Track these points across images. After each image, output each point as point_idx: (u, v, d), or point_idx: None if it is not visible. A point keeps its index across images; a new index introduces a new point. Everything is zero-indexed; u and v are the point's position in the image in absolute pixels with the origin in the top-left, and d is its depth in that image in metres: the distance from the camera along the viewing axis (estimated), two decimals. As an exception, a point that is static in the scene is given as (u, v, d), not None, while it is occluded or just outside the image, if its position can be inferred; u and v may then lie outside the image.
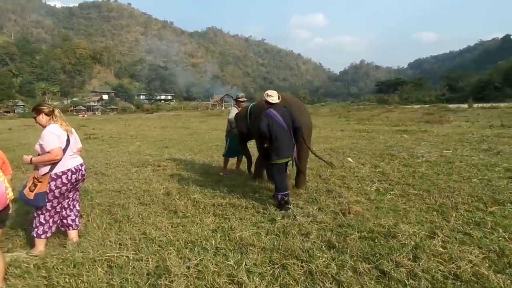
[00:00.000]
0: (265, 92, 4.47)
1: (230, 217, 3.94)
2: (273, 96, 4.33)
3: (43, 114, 3.33)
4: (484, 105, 30.27)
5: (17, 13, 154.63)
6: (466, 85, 75.41)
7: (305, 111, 5.02)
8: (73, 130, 3.53)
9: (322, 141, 11.03)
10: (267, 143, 4.24)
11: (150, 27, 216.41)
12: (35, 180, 3.24)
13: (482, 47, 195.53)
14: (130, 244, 3.26)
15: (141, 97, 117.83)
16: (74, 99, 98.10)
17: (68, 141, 3.35)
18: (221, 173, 6.47)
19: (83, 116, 60.50)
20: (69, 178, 3.33)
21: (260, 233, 3.32)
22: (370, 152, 8.23)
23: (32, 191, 3.20)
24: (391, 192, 4.63)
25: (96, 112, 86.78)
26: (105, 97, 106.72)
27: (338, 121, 22.94)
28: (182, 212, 4.18)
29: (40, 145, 3.20)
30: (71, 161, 3.39)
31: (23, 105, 79.41)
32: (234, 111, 6.25)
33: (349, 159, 7.22)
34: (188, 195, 4.91)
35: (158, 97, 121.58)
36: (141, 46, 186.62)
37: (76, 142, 3.52)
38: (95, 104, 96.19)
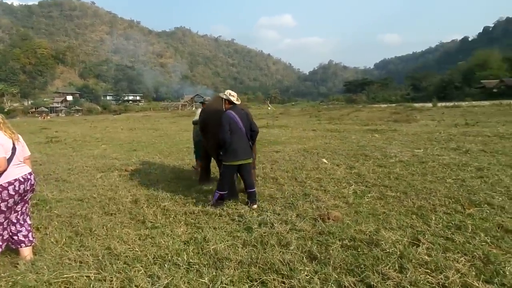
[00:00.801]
0: (227, 91, 4.36)
1: (203, 226, 3.68)
2: (235, 96, 4.29)
3: None
4: (447, 104, 31.60)
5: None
6: (429, 84, 78.79)
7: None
8: (20, 137, 3.16)
9: (295, 141, 10.95)
10: (223, 148, 4.19)
11: (115, 26, 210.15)
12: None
13: (442, 49, 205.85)
14: (92, 261, 2.93)
15: (108, 98, 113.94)
16: (35, 100, 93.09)
17: (14, 149, 3.00)
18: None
19: (44, 118, 57.41)
20: (17, 189, 2.97)
21: (237, 245, 3.08)
22: (344, 152, 8.21)
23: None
24: (369, 195, 4.54)
25: (60, 114, 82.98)
26: (69, 98, 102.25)
27: (310, 120, 23.09)
28: (151, 222, 3.87)
29: None
30: (18, 170, 3.03)
31: (-21, 107, 74.48)
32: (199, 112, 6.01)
33: (324, 160, 7.13)
34: (157, 202, 4.60)
35: (126, 98, 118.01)
36: (107, 46, 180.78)
37: (23, 150, 3.16)
38: (59, 105, 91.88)
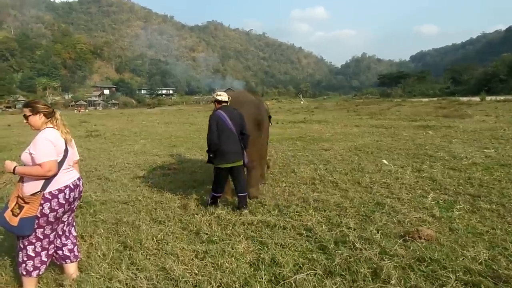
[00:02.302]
0: (215, 92, 4.34)
1: (268, 242, 3.13)
2: (222, 95, 4.15)
3: (41, 114, 2.55)
4: (498, 98, 29.31)
5: (17, 8, 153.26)
6: (470, 77, 74.45)
7: (260, 107, 4.82)
8: (72, 139, 2.76)
9: (342, 138, 10.21)
10: (212, 150, 4.00)
11: (150, 21, 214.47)
12: (21, 200, 2.46)
13: (485, 40, 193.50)
14: (147, 286, 2.48)
15: (142, 91, 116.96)
16: (75, 94, 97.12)
17: (66, 151, 2.59)
18: None
19: (80, 111, 59.52)
20: (67, 197, 2.56)
21: (319, 274, 2.51)
22: (402, 152, 7.42)
23: (16, 216, 2.42)
24: (457, 207, 3.81)
25: (98, 107, 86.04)
26: (106, 92, 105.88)
27: (349, 115, 22.07)
28: (206, 234, 3.37)
29: (30, 154, 2.42)
30: (68, 175, 2.63)
31: (24, 100, 78.62)
32: None
33: (384, 161, 6.40)
34: (208, 209, 4.12)
35: (160, 92, 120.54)
36: (142, 41, 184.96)
37: (73, 153, 2.75)
38: (97, 99, 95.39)
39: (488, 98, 30.07)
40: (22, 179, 2.50)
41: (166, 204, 4.43)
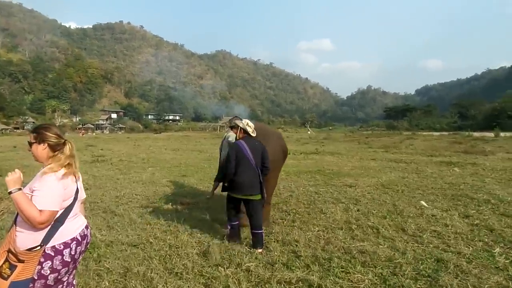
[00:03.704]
0: (245, 120, 4.11)
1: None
2: (252, 128, 4.02)
3: (47, 144, 1.99)
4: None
5: (33, 33, 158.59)
6: (477, 113, 74.31)
7: (273, 142, 4.52)
8: (80, 175, 2.20)
9: (363, 173, 9.57)
10: (227, 179, 3.91)
11: (161, 49, 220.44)
12: (13, 257, 1.86)
13: (489, 76, 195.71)
14: None
15: (150, 116, 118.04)
16: (83, 117, 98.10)
17: (77, 192, 2.05)
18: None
19: (83, 134, 59.64)
20: (73, 252, 1.98)
21: None
22: (436, 192, 6.75)
23: (5, 278, 1.82)
24: (538, 267, 3.13)
25: (104, 131, 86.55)
26: (114, 116, 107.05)
27: (361, 148, 21.49)
28: (236, 296, 2.72)
29: (33, 191, 1.85)
30: (75, 224, 2.06)
31: (33, 122, 79.34)
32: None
33: (423, 202, 5.73)
34: (234, 258, 3.47)
35: (166, 117, 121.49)
36: (152, 67, 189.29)
37: (82, 191, 2.19)
38: (104, 122, 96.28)
39: (502, 134, 29.44)
40: (15, 226, 1.92)
41: (182, 249, 3.78)
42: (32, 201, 1.82)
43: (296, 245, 3.82)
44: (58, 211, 1.89)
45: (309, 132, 61.09)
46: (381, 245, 3.79)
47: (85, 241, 2.10)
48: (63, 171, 1.95)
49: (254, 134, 4.01)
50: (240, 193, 3.83)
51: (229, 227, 4.05)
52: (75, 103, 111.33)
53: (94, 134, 67.76)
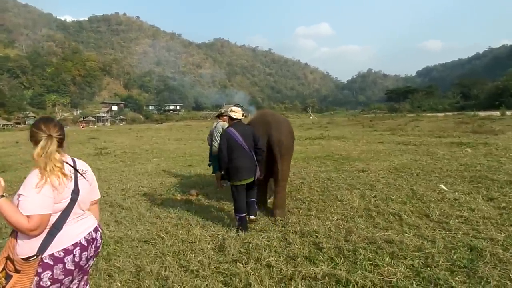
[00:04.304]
0: (231, 107, 4.28)
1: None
2: (237, 112, 4.15)
3: (33, 142, 1.76)
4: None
5: (29, 27, 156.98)
6: (480, 92, 73.38)
7: (284, 128, 4.55)
8: (87, 168, 1.96)
9: (373, 157, 9.32)
10: (223, 167, 3.99)
11: (158, 39, 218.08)
12: (10, 265, 1.64)
13: (491, 54, 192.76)
14: None
15: (150, 107, 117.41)
16: (84, 110, 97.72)
17: (75, 193, 1.77)
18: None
19: (83, 127, 59.51)
20: (77, 259, 1.75)
21: None
22: (453, 174, 6.50)
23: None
24: None
25: (106, 123, 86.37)
26: (115, 108, 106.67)
27: (366, 131, 21.17)
28: (259, 295, 2.52)
29: (19, 195, 1.62)
30: (79, 227, 1.82)
31: (34, 117, 79.12)
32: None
33: (442, 186, 5.49)
34: (251, 252, 3.26)
35: (167, 108, 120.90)
36: (150, 58, 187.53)
37: (91, 191, 1.95)
38: (105, 115, 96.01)
39: (508, 113, 28.99)
40: (16, 233, 1.69)
41: (196, 244, 3.57)
42: (18, 207, 1.59)
43: (316, 236, 3.61)
44: (49, 214, 1.65)
45: (311, 117, 60.61)
46: (406, 233, 3.56)
47: (93, 245, 1.88)
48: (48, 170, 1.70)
49: (239, 117, 4.11)
50: (238, 179, 3.89)
51: (237, 219, 3.98)
52: (75, 96, 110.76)
53: (95, 126, 67.57)
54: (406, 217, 4.07)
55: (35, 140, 1.74)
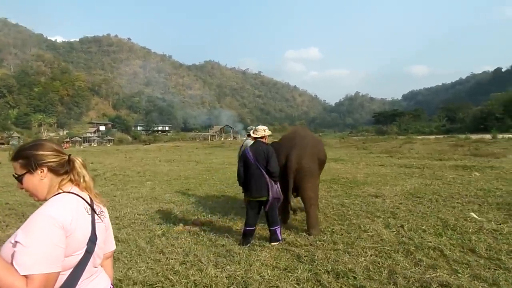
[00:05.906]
0: (259, 127, 4.44)
1: None
2: (258, 131, 4.33)
3: (45, 169, 1.26)
4: (510, 136, 28.55)
5: (18, 47, 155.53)
6: (465, 116, 75.31)
7: (309, 150, 4.60)
8: (104, 208, 1.42)
9: (381, 181, 8.88)
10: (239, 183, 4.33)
11: (149, 60, 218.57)
12: None
13: (474, 80, 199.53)
14: None
15: (138, 128, 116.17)
16: (70, 130, 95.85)
17: (92, 241, 1.24)
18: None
19: (66, 147, 57.90)
20: None
21: None
22: (476, 200, 6.09)
23: None
24: None
25: (93, 143, 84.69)
26: (102, 128, 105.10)
27: (361, 153, 20.93)
28: None
29: (15, 243, 1.07)
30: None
31: (18, 137, 77.11)
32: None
33: (473, 214, 5.04)
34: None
35: (156, 128, 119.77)
36: (140, 79, 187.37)
37: (107, 239, 1.41)
38: (92, 135, 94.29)
39: (500, 136, 29.32)
40: None
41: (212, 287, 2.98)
42: (13, 262, 1.04)
43: (355, 278, 3.06)
44: (58, 273, 1.10)
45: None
46: (460, 273, 3.05)
47: None
48: (68, 200, 1.20)
49: (258, 135, 4.28)
50: (249, 195, 4.16)
51: (243, 231, 4.19)
52: (62, 116, 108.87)
53: (82, 147, 66.03)
54: (449, 252, 3.58)
55: (48, 166, 1.22)
